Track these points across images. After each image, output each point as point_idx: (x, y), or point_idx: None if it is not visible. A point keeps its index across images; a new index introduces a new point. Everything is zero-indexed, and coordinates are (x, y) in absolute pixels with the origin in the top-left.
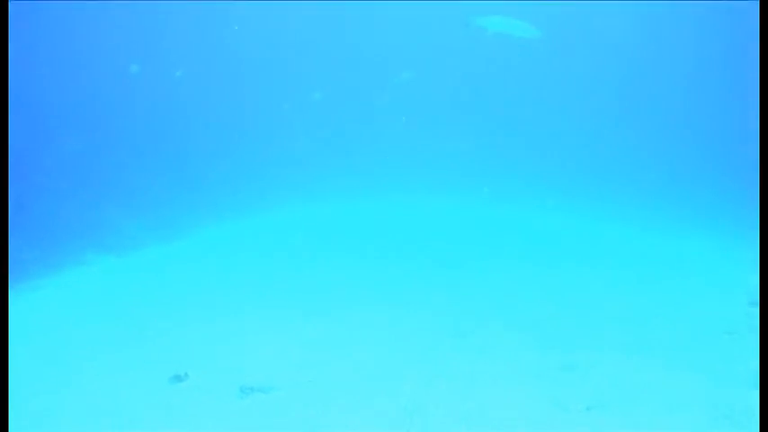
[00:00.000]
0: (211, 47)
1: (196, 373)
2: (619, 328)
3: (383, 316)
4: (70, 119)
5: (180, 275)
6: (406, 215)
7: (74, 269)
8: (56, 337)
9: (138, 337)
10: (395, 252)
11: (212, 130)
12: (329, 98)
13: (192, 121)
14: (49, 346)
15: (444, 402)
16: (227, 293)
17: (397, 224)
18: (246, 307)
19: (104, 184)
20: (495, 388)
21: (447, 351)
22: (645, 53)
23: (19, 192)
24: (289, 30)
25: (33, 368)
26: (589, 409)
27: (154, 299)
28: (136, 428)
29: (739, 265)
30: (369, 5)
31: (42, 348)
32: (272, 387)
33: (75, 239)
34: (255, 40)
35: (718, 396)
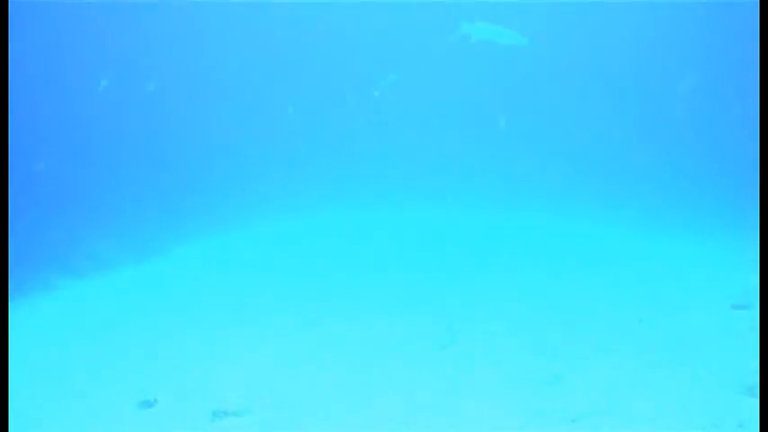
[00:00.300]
0: (185, 58)
1: (166, 397)
2: (606, 335)
3: (365, 327)
4: (36, 137)
5: (153, 296)
6: (391, 222)
7: (41, 294)
8: (20, 365)
9: (106, 362)
10: (378, 261)
11: (187, 145)
12: (308, 107)
13: (167, 136)
14: (13, 373)
15: (426, 415)
16: (201, 313)
17: (382, 232)
18: (221, 326)
19: (75, 203)
20: (478, 399)
21: (432, 361)
22: (639, 53)
23: None
24: (269, 36)
25: None
26: (574, 421)
27: (124, 322)
28: None
29: (726, 267)
30: (354, 8)
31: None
32: (247, 410)
33: (43, 262)
34: (232, 47)
35: (705, 405)
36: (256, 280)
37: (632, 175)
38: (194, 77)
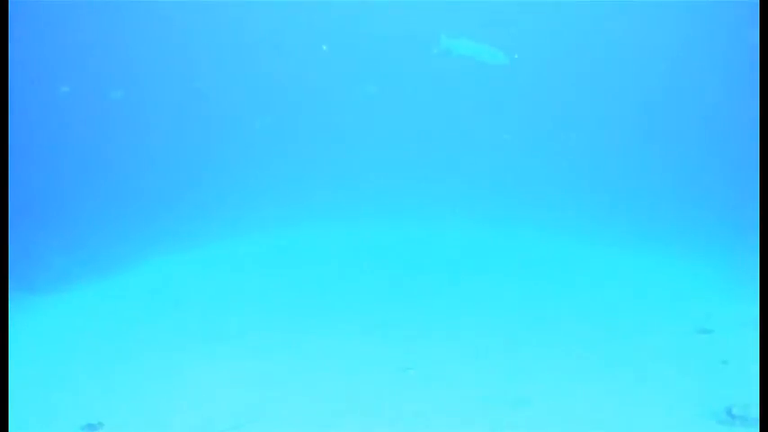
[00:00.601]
0: (154, 65)
1: (113, 421)
2: (573, 358)
3: (327, 350)
4: None
5: (110, 313)
6: (363, 242)
7: None
8: None
9: (54, 383)
10: (351, 277)
11: (152, 155)
12: (282, 120)
13: (130, 146)
14: None
15: None
16: (157, 332)
17: (356, 248)
18: (178, 346)
19: (31, 215)
20: (445, 421)
21: (393, 385)
22: (639, 55)
23: None
24: (259, 42)
25: None
26: None
27: (77, 340)
28: None
29: (693, 291)
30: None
31: None
32: None
33: None
34: (216, 54)
35: (674, 429)
36: (219, 299)
37: (602, 193)
38: (165, 84)
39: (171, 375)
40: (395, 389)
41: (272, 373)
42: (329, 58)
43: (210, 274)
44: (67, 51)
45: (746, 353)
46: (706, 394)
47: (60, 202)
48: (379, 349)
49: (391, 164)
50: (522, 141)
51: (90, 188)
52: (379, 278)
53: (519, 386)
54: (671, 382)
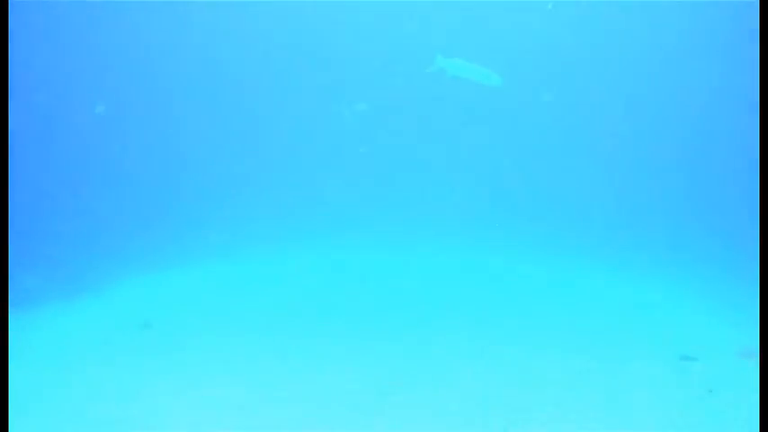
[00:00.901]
0: (135, 80)
1: None
2: (554, 388)
3: (299, 376)
4: None
5: (76, 333)
6: (345, 264)
7: None
8: None
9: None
10: (331, 300)
11: (126, 172)
12: (265, 138)
13: (104, 162)
14: None
15: None
16: (120, 354)
17: (332, 271)
18: (140, 368)
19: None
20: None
21: (367, 413)
22: (637, 58)
23: None
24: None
25: None
26: None
27: (37, 361)
28: None
29: (676, 316)
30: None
31: None
32: None
33: None
34: (188, 68)
35: None
36: (187, 323)
37: (584, 217)
38: (143, 100)
39: (128, 403)
40: (371, 417)
41: (248, 396)
42: (317, 75)
43: (187, 294)
44: (51, 56)
45: (733, 382)
46: (691, 425)
47: (34, 219)
48: (358, 376)
49: (387, 175)
50: (505, 158)
51: (65, 205)
52: (367, 292)
53: (497, 414)
54: (656, 411)
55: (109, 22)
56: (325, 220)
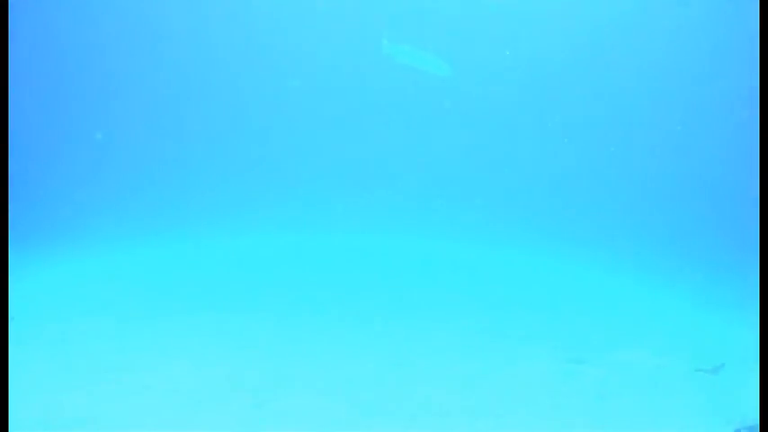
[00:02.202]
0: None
1: None
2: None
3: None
4: None
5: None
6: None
7: None
8: None
9: None
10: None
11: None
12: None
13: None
14: None
15: None
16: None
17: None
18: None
19: None
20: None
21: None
22: (635, 60)
23: None
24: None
25: None
26: None
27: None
28: None
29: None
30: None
31: None
32: None
33: None
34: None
35: None
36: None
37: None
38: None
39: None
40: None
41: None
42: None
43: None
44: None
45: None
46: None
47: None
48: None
49: (382, 169)
50: (497, 154)
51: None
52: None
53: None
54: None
55: (108, 21)
56: (305, 211)
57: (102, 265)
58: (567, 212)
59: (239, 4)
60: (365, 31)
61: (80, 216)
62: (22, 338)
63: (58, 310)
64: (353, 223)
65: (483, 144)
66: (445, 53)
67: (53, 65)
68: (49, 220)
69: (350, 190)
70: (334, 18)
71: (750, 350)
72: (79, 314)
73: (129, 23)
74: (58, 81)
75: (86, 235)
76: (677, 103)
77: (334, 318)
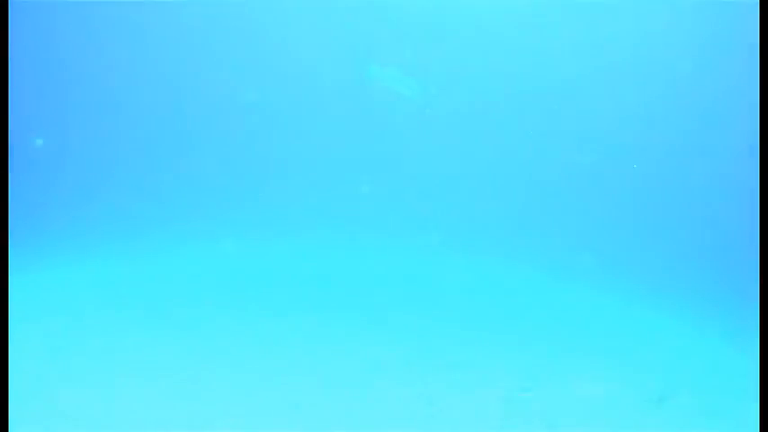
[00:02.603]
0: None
1: None
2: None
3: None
4: None
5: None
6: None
7: None
8: None
9: None
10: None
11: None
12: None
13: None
14: None
15: None
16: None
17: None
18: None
19: None
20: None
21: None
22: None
23: None
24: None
25: None
26: None
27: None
28: None
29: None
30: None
31: None
32: None
33: None
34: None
35: None
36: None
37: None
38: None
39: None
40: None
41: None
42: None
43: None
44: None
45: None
46: None
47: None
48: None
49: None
50: (491, 156)
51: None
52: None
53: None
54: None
55: (108, 21)
56: (302, 215)
57: (103, 266)
58: (529, 228)
59: (236, 10)
60: (365, 30)
61: (80, 216)
62: (22, 338)
63: (58, 310)
64: (340, 225)
65: (501, 150)
66: (435, 57)
67: (53, 65)
68: (48, 220)
69: (348, 190)
70: (335, 18)
71: (701, 379)
72: (79, 314)
73: (129, 24)
74: (58, 81)
75: (86, 235)
76: (677, 104)
77: (334, 318)
